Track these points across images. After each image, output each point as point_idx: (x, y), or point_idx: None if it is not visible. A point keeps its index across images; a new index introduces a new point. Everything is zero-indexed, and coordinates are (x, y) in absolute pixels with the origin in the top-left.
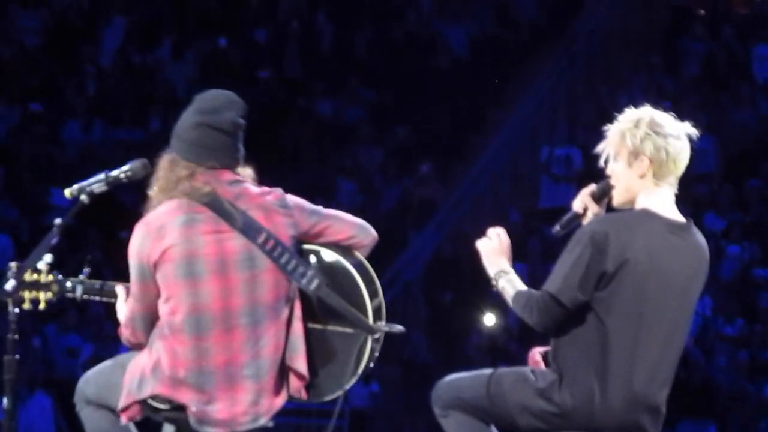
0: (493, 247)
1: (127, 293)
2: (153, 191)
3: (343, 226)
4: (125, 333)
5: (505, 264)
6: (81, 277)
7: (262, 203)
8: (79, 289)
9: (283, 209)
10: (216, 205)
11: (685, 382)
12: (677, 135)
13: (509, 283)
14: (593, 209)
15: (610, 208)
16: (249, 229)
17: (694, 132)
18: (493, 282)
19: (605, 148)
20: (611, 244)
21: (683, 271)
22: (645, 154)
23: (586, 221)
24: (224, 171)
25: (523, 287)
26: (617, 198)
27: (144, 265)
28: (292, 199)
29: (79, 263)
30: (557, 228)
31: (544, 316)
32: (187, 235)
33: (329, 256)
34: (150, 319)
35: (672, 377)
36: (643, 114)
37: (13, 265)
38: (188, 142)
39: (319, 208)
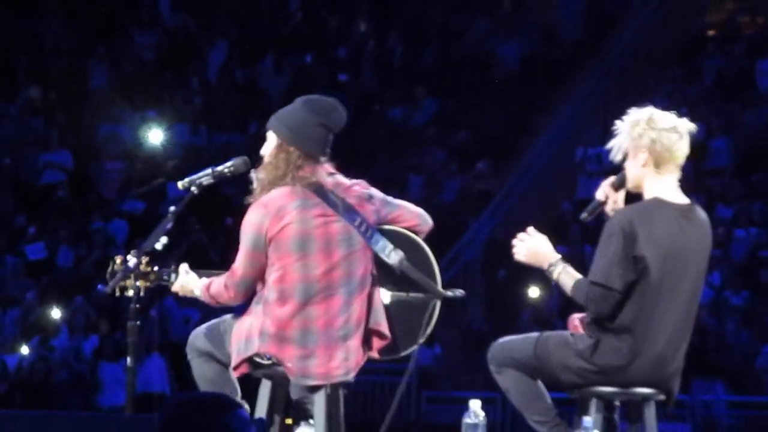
0: (530, 247)
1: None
2: (265, 173)
3: (410, 215)
4: (223, 293)
5: (551, 255)
6: (173, 267)
7: (354, 193)
8: (173, 277)
9: (369, 199)
10: (322, 193)
11: (699, 346)
12: (670, 128)
13: (566, 275)
14: (613, 197)
15: (628, 196)
16: (348, 214)
17: (691, 126)
18: (548, 275)
19: (614, 145)
20: (638, 232)
21: (694, 247)
22: (644, 148)
23: (608, 207)
24: (323, 165)
25: (578, 275)
26: (629, 184)
27: (261, 237)
28: (374, 191)
29: (177, 257)
30: (585, 214)
31: (602, 304)
32: (302, 216)
33: (407, 235)
34: (251, 284)
35: (689, 336)
36: (643, 113)
37: (118, 258)
38: (305, 137)
39: (392, 199)
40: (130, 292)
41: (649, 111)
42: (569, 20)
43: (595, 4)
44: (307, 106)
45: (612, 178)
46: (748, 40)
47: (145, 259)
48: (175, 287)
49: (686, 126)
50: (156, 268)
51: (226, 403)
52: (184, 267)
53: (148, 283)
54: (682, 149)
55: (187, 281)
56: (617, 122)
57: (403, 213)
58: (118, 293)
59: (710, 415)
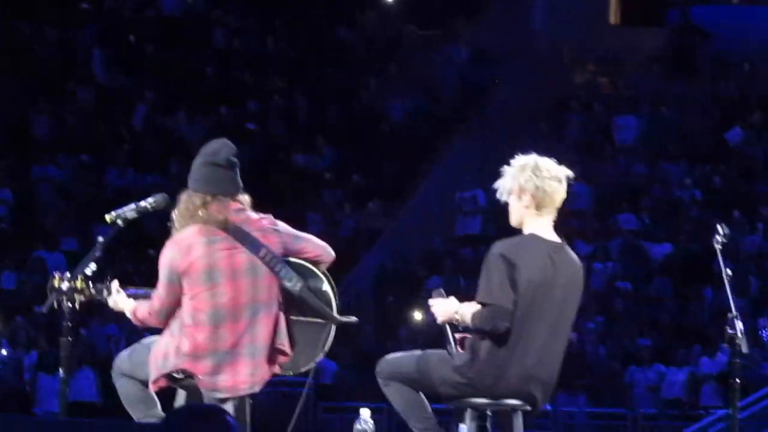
0: (442, 304)
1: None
2: (176, 217)
3: (315, 248)
4: (148, 318)
5: (455, 306)
6: (106, 284)
7: (260, 227)
8: (105, 293)
9: (275, 232)
10: (228, 229)
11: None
12: (552, 176)
13: (467, 311)
14: (452, 308)
15: (510, 231)
16: (252, 246)
17: (569, 173)
18: (455, 319)
19: (501, 186)
20: (517, 261)
21: (561, 280)
22: (528, 191)
23: (459, 319)
24: (231, 202)
25: (475, 307)
26: (512, 221)
27: (173, 272)
28: (281, 224)
29: (106, 277)
30: (448, 348)
31: (496, 321)
32: (208, 252)
33: (308, 266)
34: (169, 310)
35: (560, 361)
36: (529, 160)
37: (57, 275)
38: (198, 179)
39: (299, 232)
40: (65, 307)
41: (534, 159)
42: (449, 81)
43: (472, 68)
44: (201, 152)
45: (436, 297)
46: (607, 99)
47: (81, 277)
48: (110, 302)
49: (564, 173)
50: (91, 284)
51: (217, 410)
52: (114, 285)
53: (83, 297)
54: (561, 194)
55: (116, 300)
56: (504, 166)
57: (308, 246)
58: (56, 306)
59: (571, 425)
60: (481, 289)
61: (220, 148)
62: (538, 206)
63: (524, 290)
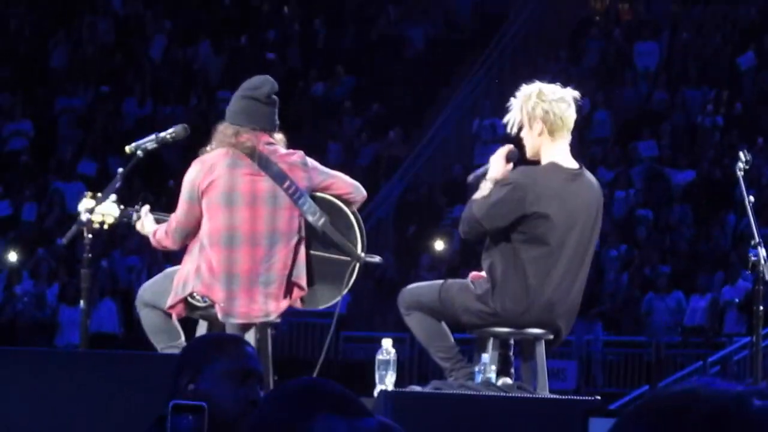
0: (495, 163)
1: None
2: (211, 145)
3: (344, 185)
4: (164, 238)
5: (494, 174)
6: (136, 207)
7: (287, 160)
8: (135, 216)
9: (302, 166)
10: (254, 156)
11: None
12: (559, 99)
13: (483, 192)
14: (493, 173)
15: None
16: (277, 176)
17: (576, 94)
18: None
19: (509, 120)
20: (530, 193)
21: (581, 206)
22: (538, 118)
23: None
24: (263, 134)
25: (476, 197)
26: (528, 153)
27: (195, 190)
28: (311, 161)
29: (137, 201)
30: (470, 177)
31: (469, 230)
32: (230, 174)
33: (335, 203)
34: (186, 232)
35: (582, 288)
36: (533, 88)
37: (88, 194)
38: (235, 111)
39: (329, 170)
40: (96, 226)
41: (538, 85)
42: (467, 8)
43: None
44: (242, 86)
45: (506, 150)
46: (627, 25)
47: (111, 200)
48: (138, 226)
49: (571, 94)
50: (122, 207)
51: (235, 339)
52: (145, 209)
53: (113, 221)
54: (571, 116)
55: (144, 224)
56: (511, 99)
57: (337, 182)
58: (83, 230)
59: (590, 353)
60: (483, 199)
61: (262, 83)
62: (551, 132)
63: (542, 221)
